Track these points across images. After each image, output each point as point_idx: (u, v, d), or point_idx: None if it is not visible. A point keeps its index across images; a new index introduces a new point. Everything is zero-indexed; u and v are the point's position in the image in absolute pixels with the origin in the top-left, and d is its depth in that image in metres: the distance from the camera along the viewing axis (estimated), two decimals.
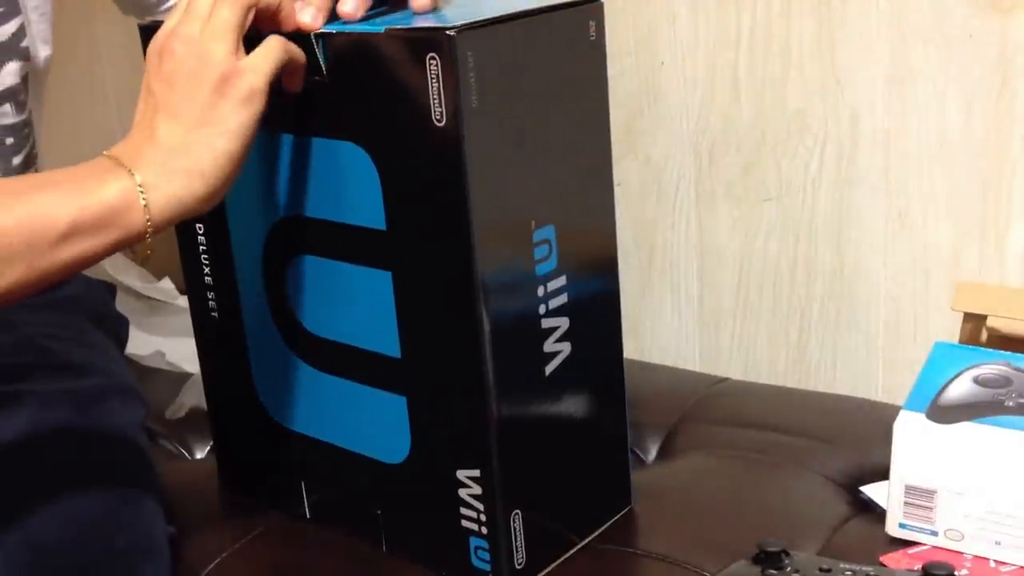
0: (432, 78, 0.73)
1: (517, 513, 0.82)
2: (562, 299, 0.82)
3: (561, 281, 0.82)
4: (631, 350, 1.40)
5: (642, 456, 1.05)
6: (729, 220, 1.28)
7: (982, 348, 0.94)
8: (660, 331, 1.36)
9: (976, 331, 1.05)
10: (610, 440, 0.90)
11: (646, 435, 1.06)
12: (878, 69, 1.15)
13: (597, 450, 0.89)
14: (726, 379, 1.18)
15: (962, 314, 1.07)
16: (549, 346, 0.82)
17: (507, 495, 0.81)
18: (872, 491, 0.93)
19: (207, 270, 0.93)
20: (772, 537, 0.77)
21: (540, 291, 0.81)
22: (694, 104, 1.26)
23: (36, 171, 0.97)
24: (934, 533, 0.85)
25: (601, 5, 0.80)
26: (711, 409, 1.10)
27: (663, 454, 1.05)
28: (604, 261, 0.87)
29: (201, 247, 0.93)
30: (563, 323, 0.83)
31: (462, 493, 0.82)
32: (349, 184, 0.80)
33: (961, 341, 1.06)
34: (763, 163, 1.24)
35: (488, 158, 0.75)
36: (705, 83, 1.25)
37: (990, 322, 1.05)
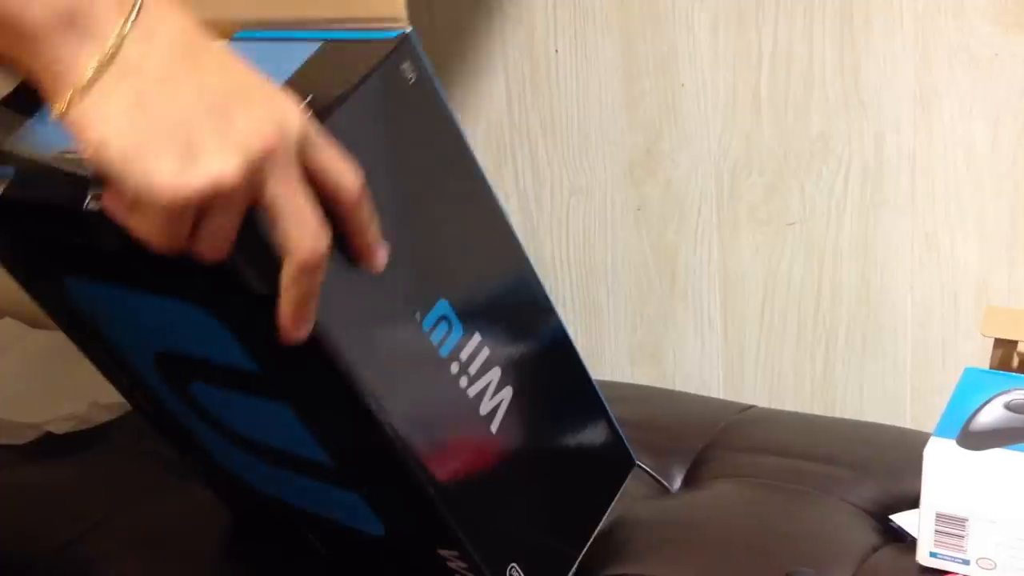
0: None
1: (514, 567, 0.77)
2: (483, 357, 0.73)
3: (474, 341, 0.73)
4: (654, 377, 1.40)
5: (667, 485, 1.03)
6: (752, 244, 1.27)
7: (1013, 374, 0.93)
8: (683, 357, 1.35)
9: (1007, 356, 1.03)
10: (595, 456, 0.85)
11: (671, 464, 1.05)
12: (903, 89, 1.14)
13: (584, 472, 0.84)
14: (752, 407, 1.17)
15: (993, 339, 1.06)
16: (486, 407, 0.74)
17: (494, 562, 0.76)
18: (902, 519, 0.92)
19: (118, 381, 0.85)
20: (801, 566, 0.76)
21: (454, 368, 0.72)
22: (715, 126, 1.25)
23: None
24: (966, 562, 0.83)
25: (407, 36, 0.65)
26: (737, 437, 1.09)
27: (688, 483, 1.03)
28: (517, 290, 0.77)
29: (99, 363, 0.83)
30: (493, 376, 0.74)
31: (450, 564, 0.77)
32: (207, 335, 0.70)
33: (992, 366, 1.04)
34: (786, 186, 1.23)
35: (342, 278, 0.63)
36: (726, 105, 1.24)
37: (1021, 347, 1.03)
